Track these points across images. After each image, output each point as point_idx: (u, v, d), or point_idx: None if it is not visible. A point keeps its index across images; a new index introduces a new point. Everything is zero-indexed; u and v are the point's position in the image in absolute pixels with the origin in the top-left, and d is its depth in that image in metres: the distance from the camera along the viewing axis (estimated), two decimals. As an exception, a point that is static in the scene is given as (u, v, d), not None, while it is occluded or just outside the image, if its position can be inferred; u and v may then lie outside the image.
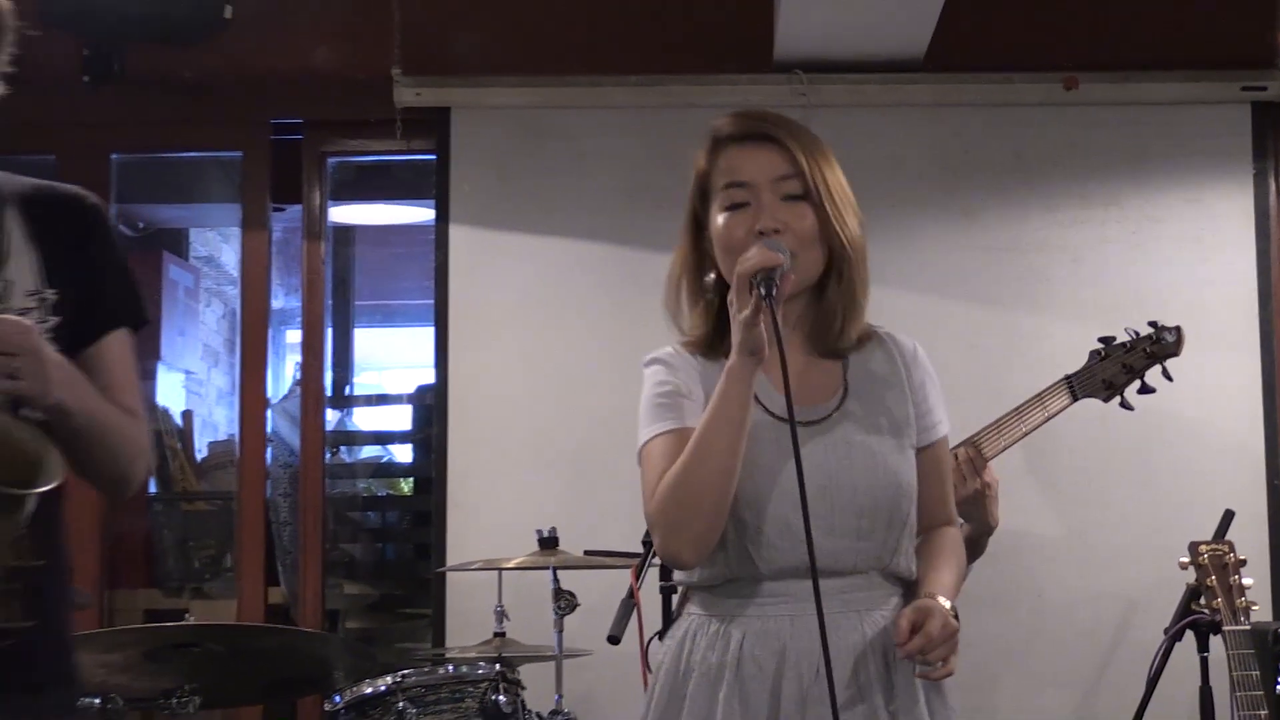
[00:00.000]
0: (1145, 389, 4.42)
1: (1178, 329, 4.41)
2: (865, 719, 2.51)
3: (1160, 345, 4.40)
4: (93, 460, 2.53)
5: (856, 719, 2.50)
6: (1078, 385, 4.43)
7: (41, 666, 2.51)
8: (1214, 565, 3.97)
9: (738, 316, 2.46)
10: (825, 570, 2.48)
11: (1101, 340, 4.45)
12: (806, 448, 2.49)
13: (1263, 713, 3.73)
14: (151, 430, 6.76)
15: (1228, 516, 4.27)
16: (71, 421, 2.42)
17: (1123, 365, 4.41)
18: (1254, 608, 3.89)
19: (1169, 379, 4.42)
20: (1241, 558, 3.98)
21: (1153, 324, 4.43)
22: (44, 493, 2.36)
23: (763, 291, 2.42)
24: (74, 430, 2.43)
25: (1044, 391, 4.41)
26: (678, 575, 2.73)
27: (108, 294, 2.67)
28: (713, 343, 2.68)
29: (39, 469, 2.30)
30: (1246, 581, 3.93)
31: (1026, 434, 4.36)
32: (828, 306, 2.65)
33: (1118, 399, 4.44)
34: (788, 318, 2.54)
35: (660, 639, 4.01)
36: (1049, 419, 4.40)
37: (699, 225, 2.72)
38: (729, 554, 2.57)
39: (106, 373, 2.60)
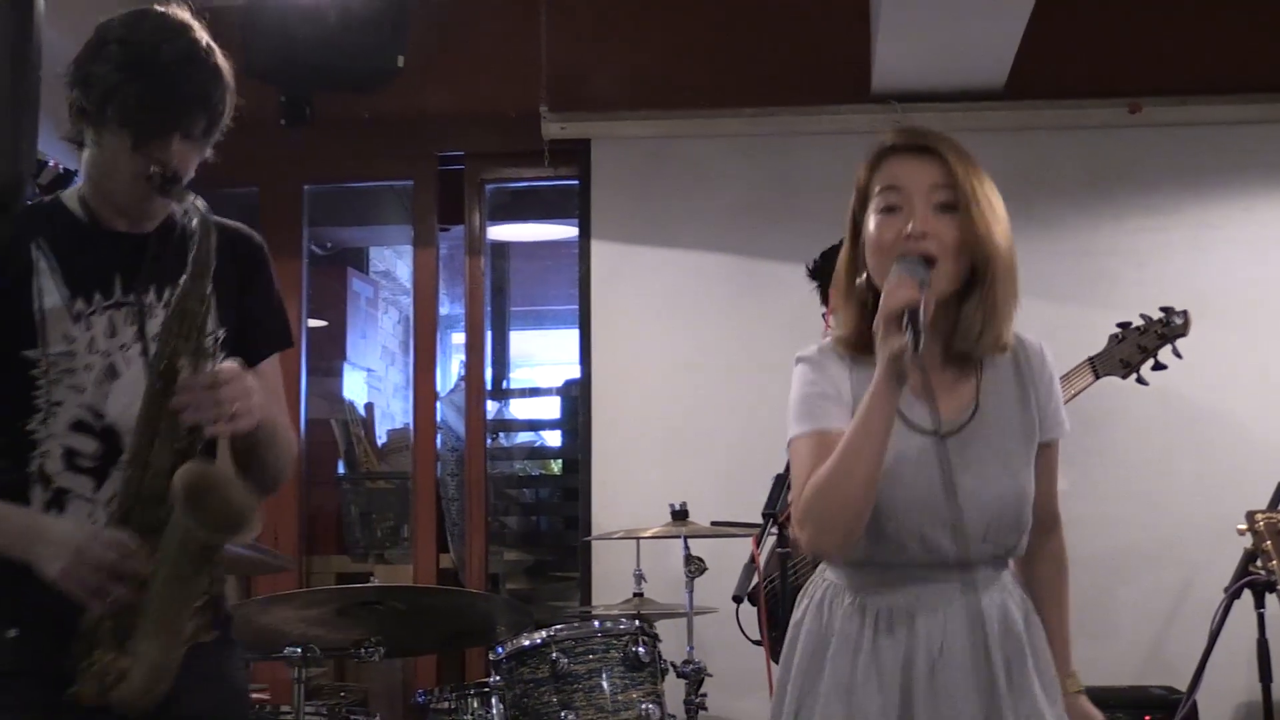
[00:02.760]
0: (1158, 366, 4.37)
1: (1185, 312, 4.36)
2: (984, 683, 2.44)
3: (1169, 327, 4.36)
4: (267, 460, 2.60)
5: (977, 682, 2.44)
6: (1099, 364, 4.39)
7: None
8: (1269, 531, 3.88)
9: (883, 348, 2.30)
10: (950, 565, 2.44)
11: (1119, 325, 4.40)
12: (940, 458, 2.42)
13: (1314, 662, 3.67)
14: (340, 420, 6.91)
15: (1281, 487, 4.21)
16: (258, 434, 2.50)
17: (1137, 345, 4.36)
18: (1306, 569, 3.81)
19: (1178, 356, 4.35)
20: (1294, 524, 3.91)
21: (1164, 309, 4.38)
22: None
23: (909, 334, 2.26)
24: (258, 440, 2.52)
25: (1070, 371, 4.37)
26: None
27: (267, 325, 2.72)
28: (860, 341, 2.51)
29: (243, 523, 2.36)
30: (1299, 545, 3.85)
31: None
32: (968, 314, 2.46)
33: (1134, 376, 4.39)
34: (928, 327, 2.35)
35: (749, 600, 4.03)
36: (1075, 395, 4.35)
37: (857, 231, 2.54)
38: (867, 545, 2.46)
39: (265, 392, 2.64)
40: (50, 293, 2.47)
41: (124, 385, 2.48)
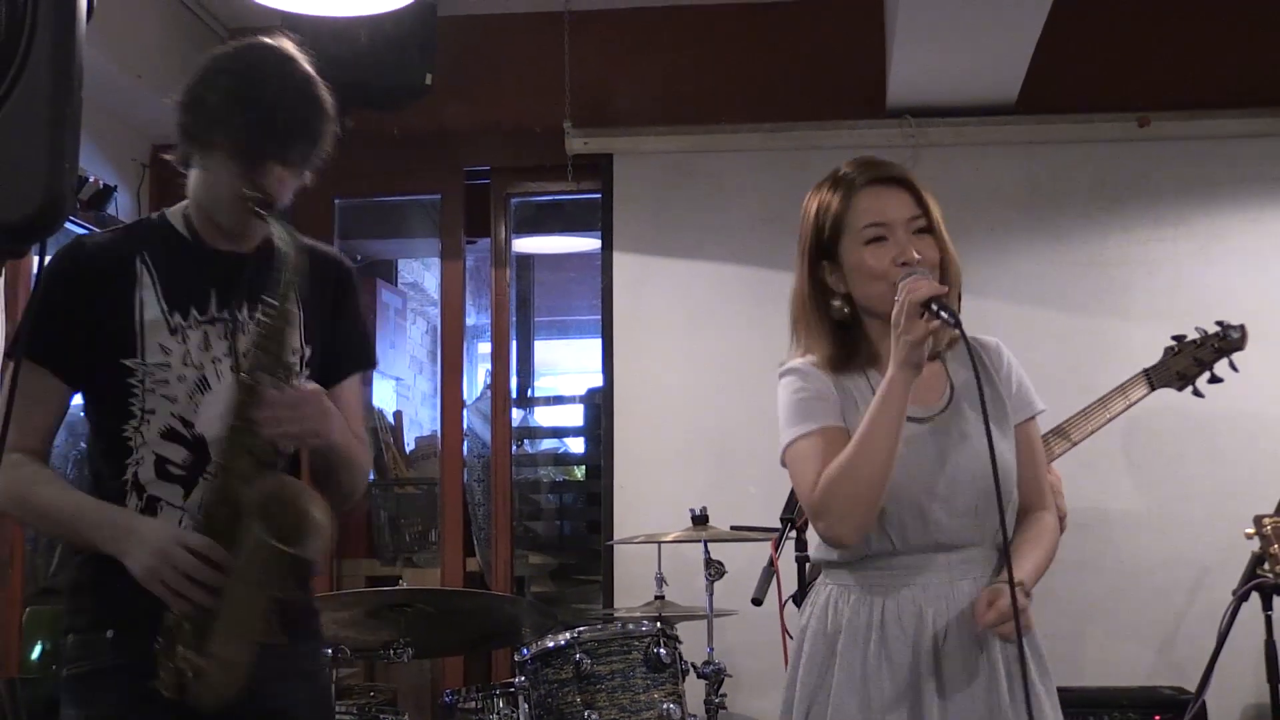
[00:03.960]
0: (1214, 379, 4.34)
1: (1242, 326, 4.33)
2: (982, 664, 2.51)
3: (1227, 340, 4.32)
4: (339, 478, 2.68)
5: (974, 662, 2.51)
6: (1155, 377, 4.36)
7: (298, 624, 2.67)
8: (1276, 535, 3.87)
9: (906, 336, 2.41)
10: (948, 544, 2.51)
11: (1174, 338, 4.37)
12: (929, 440, 2.51)
13: (1321, 663, 3.65)
14: (369, 428, 6.93)
15: (1287, 493, 4.18)
16: (335, 454, 2.61)
17: (1194, 359, 4.33)
18: (1313, 572, 3.80)
19: (1235, 370, 4.32)
20: (1301, 529, 3.89)
21: (1220, 323, 4.35)
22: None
23: (945, 316, 2.39)
24: (335, 459, 2.62)
25: (1126, 383, 4.35)
26: (815, 554, 2.70)
27: (352, 346, 2.81)
28: (839, 360, 2.64)
29: (314, 537, 2.44)
30: (1306, 549, 3.84)
31: (1110, 419, 4.29)
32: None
33: (1190, 388, 4.36)
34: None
35: (796, 603, 4.04)
36: (1130, 406, 4.33)
37: (818, 257, 2.65)
38: (871, 534, 2.54)
39: (345, 409, 2.73)
40: (150, 305, 2.55)
41: (214, 397, 2.56)
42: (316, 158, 2.63)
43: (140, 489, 2.53)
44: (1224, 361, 4.37)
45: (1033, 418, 2.69)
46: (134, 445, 2.53)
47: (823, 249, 2.65)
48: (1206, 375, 4.36)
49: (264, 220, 2.53)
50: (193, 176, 2.62)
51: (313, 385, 2.58)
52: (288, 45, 2.61)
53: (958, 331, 2.49)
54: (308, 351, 2.68)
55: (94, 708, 2.52)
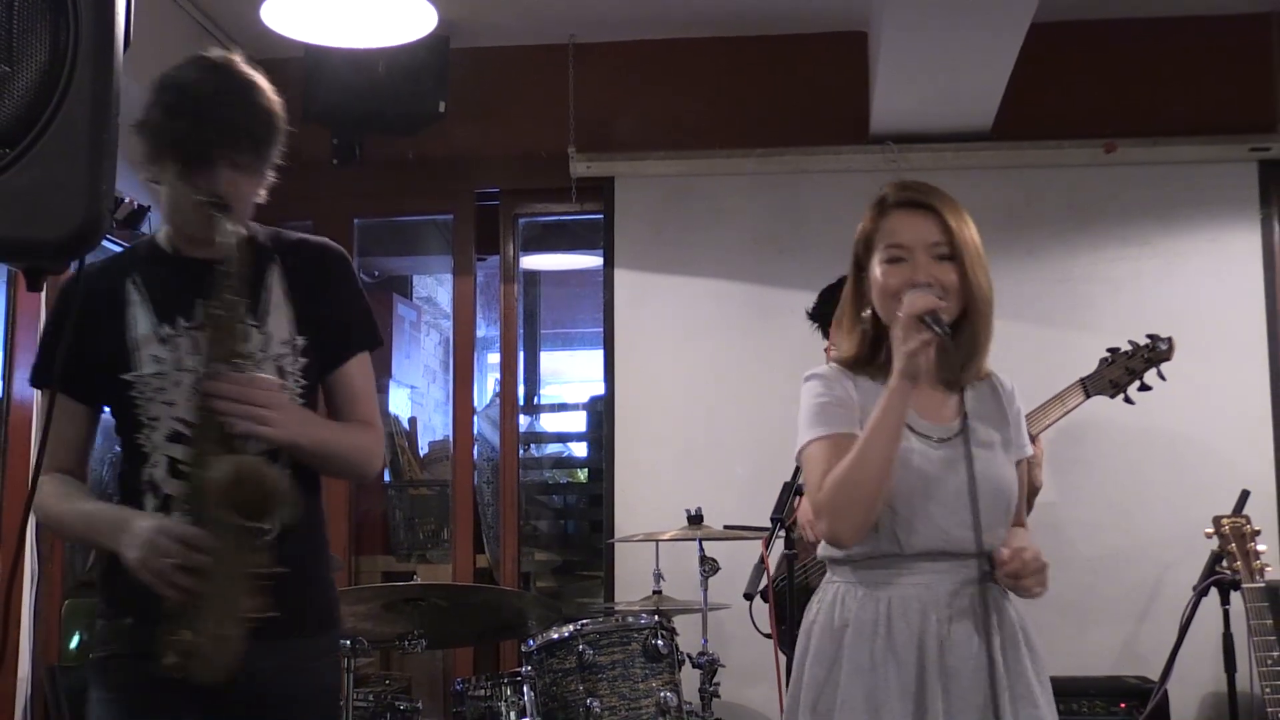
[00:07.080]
0: (1144, 387, 4.34)
1: (1169, 339, 4.33)
2: (983, 658, 2.49)
3: (1155, 352, 4.33)
4: (330, 469, 2.68)
5: (976, 656, 2.50)
6: (1090, 385, 4.36)
7: (311, 621, 2.65)
8: (1234, 534, 3.89)
9: (902, 348, 2.43)
10: (955, 552, 2.51)
11: (1109, 349, 4.38)
12: (941, 457, 2.53)
13: (1275, 654, 3.66)
14: (386, 433, 6.92)
15: (1244, 495, 4.19)
16: (306, 452, 2.57)
17: (1125, 368, 4.34)
18: (1268, 569, 3.81)
19: (1163, 379, 4.32)
20: (1257, 528, 3.91)
21: (1150, 335, 4.35)
22: (304, 495, 2.49)
23: (937, 329, 2.41)
24: (311, 456, 2.59)
25: (1063, 391, 4.35)
26: (822, 551, 2.67)
27: (351, 327, 2.73)
28: (859, 363, 2.65)
29: (278, 508, 2.39)
30: (1261, 548, 3.85)
31: (1049, 425, 4.30)
32: (958, 346, 2.57)
33: (1122, 396, 4.37)
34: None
35: (763, 598, 4.04)
36: (1067, 413, 4.33)
37: (859, 269, 2.67)
38: (880, 535, 2.52)
39: (349, 389, 2.70)
40: (141, 321, 2.54)
41: None
42: (266, 159, 2.54)
43: (156, 488, 2.53)
44: (1153, 371, 4.38)
45: (1025, 459, 2.72)
46: (148, 450, 2.53)
47: (859, 262, 2.67)
48: (1137, 384, 4.37)
49: (220, 219, 2.44)
50: (160, 195, 2.58)
51: (268, 378, 2.52)
52: (228, 55, 2.55)
53: (981, 367, 2.59)
54: (301, 341, 2.62)
55: (113, 690, 2.56)
